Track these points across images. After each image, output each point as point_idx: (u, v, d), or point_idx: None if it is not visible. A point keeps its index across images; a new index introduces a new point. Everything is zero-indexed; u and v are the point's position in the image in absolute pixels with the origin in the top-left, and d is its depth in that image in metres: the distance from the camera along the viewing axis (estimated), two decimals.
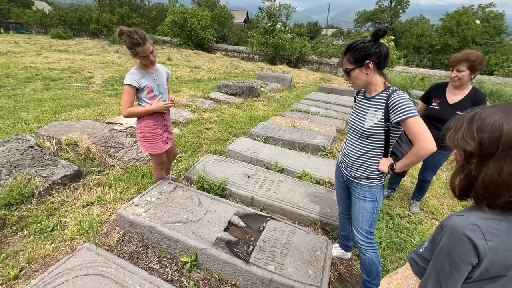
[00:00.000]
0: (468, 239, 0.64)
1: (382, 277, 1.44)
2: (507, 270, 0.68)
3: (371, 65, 1.30)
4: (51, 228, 1.98)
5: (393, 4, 30.04)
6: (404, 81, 9.26)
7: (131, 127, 3.81)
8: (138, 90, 1.91)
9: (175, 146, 2.47)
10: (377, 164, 1.40)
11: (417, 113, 1.24)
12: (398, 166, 1.34)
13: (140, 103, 1.98)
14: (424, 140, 1.21)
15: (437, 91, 2.23)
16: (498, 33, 27.14)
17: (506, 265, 0.67)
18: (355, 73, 1.34)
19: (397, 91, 1.30)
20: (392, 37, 15.17)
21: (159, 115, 2.06)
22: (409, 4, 29.94)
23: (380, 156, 1.39)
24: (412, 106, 1.24)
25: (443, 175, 3.43)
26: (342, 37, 29.52)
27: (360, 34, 18.26)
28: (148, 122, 2.01)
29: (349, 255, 1.96)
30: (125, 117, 1.91)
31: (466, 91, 2.09)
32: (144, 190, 2.34)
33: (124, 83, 1.85)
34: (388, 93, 1.31)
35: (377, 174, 1.42)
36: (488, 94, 8.24)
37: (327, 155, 3.57)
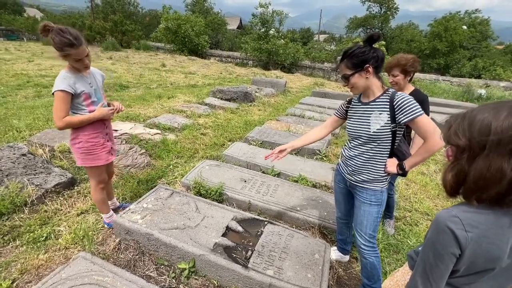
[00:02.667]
0: (450, 230, 0.68)
1: (382, 281, 1.44)
2: (493, 263, 0.70)
3: (370, 69, 1.33)
4: (44, 237, 1.94)
5: (383, 10, 30.76)
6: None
7: (126, 133, 3.78)
8: (73, 97, 1.65)
9: (113, 164, 2.15)
10: (383, 166, 1.42)
11: (423, 111, 1.29)
12: (408, 165, 1.38)
13: (75, 111, 1.72)
14: (435, 135, 1.27)
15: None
16: (485, 38, 28.00)
17: (490, 258, 0.69)
18: (354, 78, 1.37)
19: (398, 93, 1.34)
20: (383, 43, 15.51)
21: (100, 122, 1.82)
22: (398, 11, 30.70)
23: (386, 158, 1.42)
24: (417, 105, 1.30)
25: (437, 176, 3.49)
26: (334, 43, 29.97)
27: (352, 40, 18.58)
28: (87, 131, 1.76)
29: (347, 258, 1.97)
30: (61, 128, 1.65)
31: (407, 93, 2.01)
32: (140, 197, 2.31)
33: (56, 89, 1.58)
34: (390, 95, 1.35)
35: (383, 176, 1.44)
36: (477, 98, 8.46)
37: (323, 159, 3.60)
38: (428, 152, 1.31)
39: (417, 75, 13.99)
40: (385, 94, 1.37)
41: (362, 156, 1.45)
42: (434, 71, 23.46)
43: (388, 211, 2.39)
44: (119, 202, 2.34)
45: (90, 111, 1.75)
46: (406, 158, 1.42)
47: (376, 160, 1.42)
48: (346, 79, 1.39)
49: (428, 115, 1.80)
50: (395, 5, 30.21)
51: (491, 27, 28.04)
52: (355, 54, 1.33)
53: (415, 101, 1.30)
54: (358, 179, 1.48)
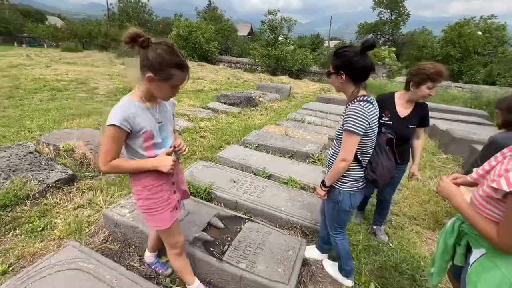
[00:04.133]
0: None
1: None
2: None
3: (343, 77, 1.39)
4: (41, 228, 2.10)
5: (393, 16, 30.52)
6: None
7: None
8: (129, 135, 1.20)
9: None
10: (347, 171, 1.50)
11: (353, 129, 1.34)
12: (326, 179, 1.52)
13: (131, 155, 1.27)
14: (344, 152, 1.40)
15: (386, 105, 1.98)
16: (501, 44, 27.19)
17: None
18: (332, 78, 1.46)
19: (357, 103, 1.37)
20: (393, 49, 15.40)
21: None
22: (409, 17, 30.38)
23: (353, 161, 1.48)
24: (355, 120, 1.34)
25: (431, 182, 3.47)
26: None
27: None
28: (147, 182, 1.31)
29: (323, 257, 2.02)
30: (106, 173, 1.34)
31: (413, 104, 1.97)
32: None
33: (110, 123, 1.13)
34: (351, 103, 1.41)
35: (342, 178, 1.51)
36: (485, 104, 8.26)
37: (315, 162, 3.65)
38: (335, 166, 1.45)
39: None
40: (350, 102, 1.42)
41: (332, 157, 1.57)
42: (447, 77, 22.93)
43: (379, 217, 2.37)
44: (155, 258, 1.80)
45: (149, 157, 1.27)
46: (380, 170, 1.48)
47: (336, 161, 1.48)
48: (327, 75, 1.49)
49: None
50: (406, 11, 29.92)
51: (508, 32, 27.22)
52: (340, 55, 1.38)
53: (357, 116, 1.34)
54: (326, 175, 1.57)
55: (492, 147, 1.88)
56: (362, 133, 1.36)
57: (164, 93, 1.21)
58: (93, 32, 24.38)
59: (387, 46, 16.58)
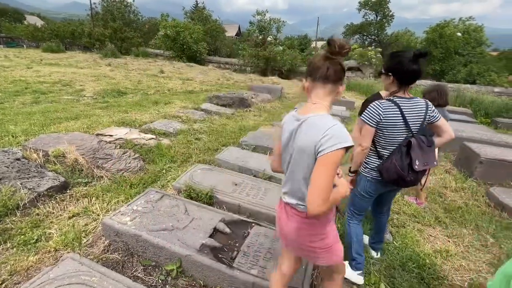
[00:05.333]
0: None
1: None
2: None
3: (391, 78, 1.59)
4: (35, 239, 1.97)
5: (378, 17, 31.28)
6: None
7: (121, 138, 3.83)
8: None
9: None
10: (366, 158, 1.72)
11: (362, 117, 1.64)
12: (352, 167, 1.77)
13: None
14: (360, 138, 1.67)
15: None
16: (479, 44, 28.42)
17: None
18: (382, 78, 1.71)
19: (382, 100, 1.63)
20: (379, 49, 15.76)
21: None
22: (393, 18, 31.23)
23: (371, 153, 1.71)
24: (367, 111, 1.61)
25: (431, 178, 3.54)
26: None
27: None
28: (331, 214, 1.21)
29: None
30: (322, 214, 0.99)
31: None
32: (131, 200, 2.35)
33: (344, 145, 0.97)
34: None
35: (364, 166, 1.76)
36: (469, 102, 8.58)
37: None
38: (355, 156, 1.73)
39: None
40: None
41: None
42: (430, 77, 23.74)
43: (379, 237, 2.18)
44: None
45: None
46: (388, 163, 1.60)
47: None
48: (379, 74, 1.76)
49: None
50: (391, 13, 30.76)
51: (485, 33, 28.48)
52: (392, 58, 1.61)
53: (369, 108, 1.60)
54: None
55: None
56: (373, 125, 1.57)
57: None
58: (76, 32, 23.54)
59: (373, 47, 16.94)
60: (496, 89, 12.62)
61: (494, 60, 29.24)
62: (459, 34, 26.49)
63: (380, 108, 1.54)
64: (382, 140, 1.62)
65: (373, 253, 2.10)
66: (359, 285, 1.82)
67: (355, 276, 1.83)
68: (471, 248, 2.31)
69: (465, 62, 26.02)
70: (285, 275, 1.31)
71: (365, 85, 12.55)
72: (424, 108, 1.56)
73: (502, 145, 4.27)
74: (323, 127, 1.00)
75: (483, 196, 3.20)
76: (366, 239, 2.19)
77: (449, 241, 2.39)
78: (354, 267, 1.84)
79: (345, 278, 1.82)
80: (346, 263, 1.88)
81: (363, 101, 2.15)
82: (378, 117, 1.55)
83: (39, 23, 30.22)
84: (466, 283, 1.96)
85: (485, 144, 4.17)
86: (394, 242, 2.29)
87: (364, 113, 1.60)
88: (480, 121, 7.54)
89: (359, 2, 31.38)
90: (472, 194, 3.25)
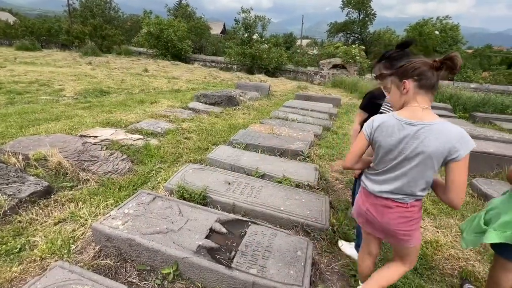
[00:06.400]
0: None
1: None
2: None
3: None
4: (18, 248, 1.85)
5: (361, 16, 31.95)
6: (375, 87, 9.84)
7: (106, 139, 3.69)
8: None
9: None
10: None
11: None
12: None
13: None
14: None
15: (381, 97, 1.99)
16: (455, 42, 29.71)
17: None
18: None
19: None
20: (363, 47, 16.10)
21: None
22: (375, 16, 32.02)
23: None
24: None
25: None
26: (316, 47, 30.74)
27: (333, 44, 19.14)
28: None
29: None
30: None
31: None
32: (122, 203, 2.26)
33: (474, 146, 1.14)
34: None
35: None
36: (448, 97, 8.94)
37: (306, 159, 3.68)
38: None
39: None
40: None
41: None
42: None
43: None
44: None
45: None
46: None
47: None
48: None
49: None
50: (373, 11, 31.49)
51: (460, 32, 29.80)
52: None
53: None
54: None
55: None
56: None
57: None
58: (53, 29, 22.46)
59: (357, 44, 17.28)
60: (472, 85, 13.22)
61: (470, 58, 30.70)
62: (437, 32, 27.57)
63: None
64: None
65: None
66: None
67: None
68: (459, 238, 2.40)
69: None
70: (375, 255, 1.55)
71: (350, 82, 12.75)
72: None
73: (482, 138, 4.48)
74: (455, 132, 1.12)
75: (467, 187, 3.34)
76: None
77: (438, 232, 2.47)
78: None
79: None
80: (353, 244, 2.06)
81: (363, 94, 2.22)
82: None
83: (11, 19, 28.54)
84: (456, 271, 2.03)
85: None
86: None
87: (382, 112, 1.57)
88: (459, 115, 7.87)
89: (342, 1, 31.90)
90: None
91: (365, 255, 1.57)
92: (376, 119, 1.29)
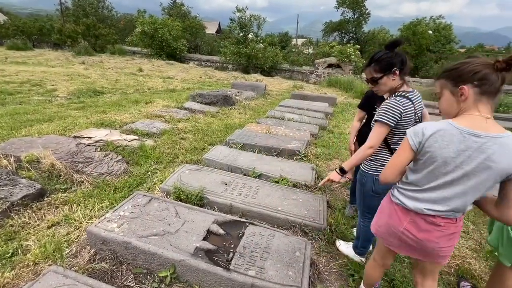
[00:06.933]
0: None
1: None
2: None
3: (397, 72, 1.55)
4: (10, 253, 1.80)
5: (356, 15, 32.09)
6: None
7: (101, 140, 3.63)
8: None
9: None
10: (375, 155, 1.64)
11: (382, 119, 1.49)
12: (346, 164, 1.60)
13: None
14: (372, 140, 1.51)
15: (377, 96, 2.01)
16: (448, 42, 30.05)
17: None
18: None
19: (392, 98, 1.53)
20: (358, 46, 16.16)
21: None
22: (370, 16, 32.20)
23: (381, 149, 1.63)
24: (387, 112, 1.49)
25: None
26: (312, 46, 30.78)
27: (328, 44, 19.19)
28: None
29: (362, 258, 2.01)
30: None
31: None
32: (117, 205, 2.23)
33: None
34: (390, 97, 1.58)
35: (369, 161, 1.68)
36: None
37: (302, 159, 3.67)
38: (360, 152, 1.54)
39: None
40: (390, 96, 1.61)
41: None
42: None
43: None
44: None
45: None
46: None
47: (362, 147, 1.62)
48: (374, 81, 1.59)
49: None
50: (367, 11, 31.68)
51: (453, 31, 30.14)
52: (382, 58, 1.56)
53: (388, 109, 1.49)
54: None
55: None
56: (392, 125, 1.50)
57: None
58: (45, 29, 22.10)
59: (352, 44, 17.35)
60: None
61: (462, 57, 30.97)
62: (430, 32, 27.83)
63: (401, 107, 1.48)
64: (396, 137, 1.57)
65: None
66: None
67: (357, 257, 1.98)
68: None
69: (436, 59, 27.41)
70: (388, 266, 1.54)
71: (346, 81, 12.79)
72: (421, 99, 1.61)
73: None
74: None
75: None
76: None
77: None
78: (358, 254, 1.98)
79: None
80: (350, 244, 2.06)
81: (364, 94, 2.21)
82: (399, 116, 1.48)
83: (2, 18, 28.01)
84: (452, 269, 2.05)
85: None
86: None
87: (382, 114, 1.49)
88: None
89: (337, 0, 32.00)
90: None
91: (378, 267, 1.49)
92: (427, 127, 1.09)
